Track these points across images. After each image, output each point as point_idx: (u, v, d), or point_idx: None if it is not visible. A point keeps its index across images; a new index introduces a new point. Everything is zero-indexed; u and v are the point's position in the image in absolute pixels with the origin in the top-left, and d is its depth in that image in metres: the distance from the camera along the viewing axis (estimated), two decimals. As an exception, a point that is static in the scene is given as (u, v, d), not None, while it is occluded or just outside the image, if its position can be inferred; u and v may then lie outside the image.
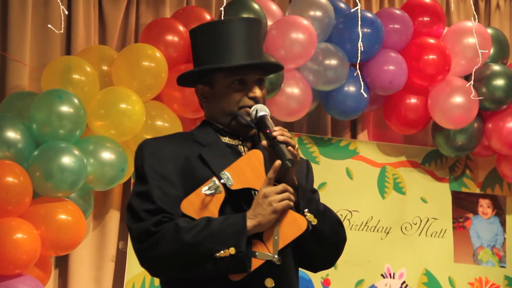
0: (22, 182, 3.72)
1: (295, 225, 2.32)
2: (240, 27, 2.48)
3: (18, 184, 3.71)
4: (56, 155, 3.78)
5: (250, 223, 2.29)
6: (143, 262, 2.36)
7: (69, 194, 3.90)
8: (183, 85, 2.65)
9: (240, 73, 2.45)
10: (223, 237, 2.26)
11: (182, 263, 2.29)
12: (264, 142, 2.38)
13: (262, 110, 2.42)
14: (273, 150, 2.35)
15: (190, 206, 2.34)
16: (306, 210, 2.38)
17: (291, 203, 2.33)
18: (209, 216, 2.32)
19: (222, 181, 2.34)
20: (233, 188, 2.34)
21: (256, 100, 2.45)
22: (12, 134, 3.78)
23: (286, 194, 2.31)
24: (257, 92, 2.46)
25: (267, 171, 2.34)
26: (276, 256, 2.29)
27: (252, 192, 2.37)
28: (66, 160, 3.78)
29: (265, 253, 2.29)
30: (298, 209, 2.38)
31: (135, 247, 2.36)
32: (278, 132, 2.35)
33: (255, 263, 2.28)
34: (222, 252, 2.25)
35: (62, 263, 4.25)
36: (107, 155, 3.96)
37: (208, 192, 2.33)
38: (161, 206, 2.33)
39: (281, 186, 2.32)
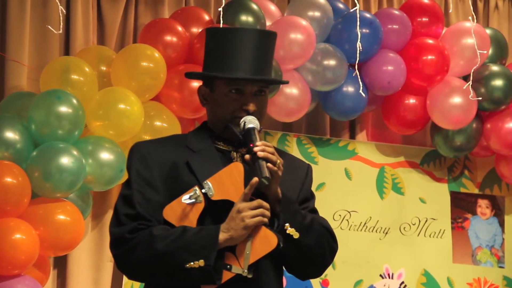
0: (21, 182, 3.72)
1: (266, 242, 2.33)
2: (251, 38, 2.46)
3: (16, 184, 3.71)
4: (54, 155, 3.78)
5: (222, 236, 2.30)
6: (119, 267, 2.41)
7: (67, 195, 3.90)
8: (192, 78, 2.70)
9: (239, 83, 2.44)
10: (194, 248, 2.28)
11: (154, 271, 2.32)
12: (247, 156, 2.38)
13: (250, 122, 2.41)
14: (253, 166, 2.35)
15: (172, 213, 2.35)
16: (287, 224, 2.37)
17: (265, 219, 2.32)
18: (185, 226, 2.33)
19: (203, 190, 2.35)
20: (213, 198, 2.35)
21: (248, 113, 2.43)
22: (10, 135, 3.78)
23: (259, 211, 2.31)
24: (251, 107, 2.43)
25: (247, 184, 2.33)
26: (245, 270, 2.31)
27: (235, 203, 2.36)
28: (65, 160, 3.78)
29: (236, 266, 2.31)
30: (279, 222, 2.38)
31: (111, 251, 2.40)
32: (259, 148, 2.34)
33: (226, 276, 2.30)
34: (192, 263, 2.27)
35: (61, 264, 4.25)
36: (105, 156, 3.96)
37: (188, 201, 2.34)
38: (140, 212, 2.35)
39: (256, 202, 2.32)
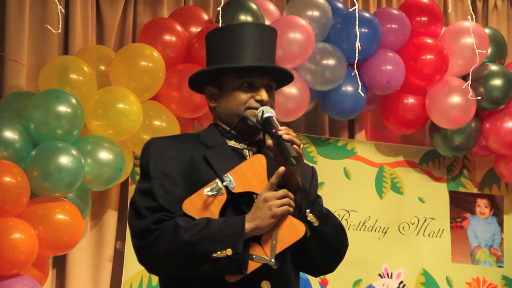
0: (20, 182, 3.72)
1: (293, 231, 2.33)
2: (254, 31, 2.49)
3: (15, 184, 3.70)
4: (53, 155, 3.78)
5: (248, 225, 2.30)
6: (141, 260, 2.37)
7: (66, 194, 3.90)
8: (194, 89, 2.63)
9: (250, 76, 2.46)
10: (221, 238, 2.27)
11: (180, 262, 2.30)
12: (269, 142, 2.40)
13: (268, 111, 2.44)
14: (278, 150, 2.37)
15: (192, 206, 2.35)
16: (308, 210, 2.39)
17: (291, 209, 2.34)
18: (209, 217, 2.33)
19: (224, 183, 2.35)
20: (235, 191, 2.36)
21: (262, 103, 2.46)
22: (9, 134, 3.78)
23: (286, 200, 2.32)
24: (264, 95, 2.46)
25: (270, 176, 2.35)
26: (272, 260, 2.31)
27: (254, 196, 2.37)
28: (64, 160, 3.78)
29: (262, 256, 2.31)
30: (300, 209, 2.39)
31: (135, 244, 2.37)
32: (284, 131, 2.37)
33: (252, 266, 2.29)
34: (219, 252, 2.26)
35: (60, 263, 4.25)
36: (104, 155, 3.96)
37: (210, 193, 2.35)
38: (163, 204, 2.34)
39: (282, 192, 2.33)
